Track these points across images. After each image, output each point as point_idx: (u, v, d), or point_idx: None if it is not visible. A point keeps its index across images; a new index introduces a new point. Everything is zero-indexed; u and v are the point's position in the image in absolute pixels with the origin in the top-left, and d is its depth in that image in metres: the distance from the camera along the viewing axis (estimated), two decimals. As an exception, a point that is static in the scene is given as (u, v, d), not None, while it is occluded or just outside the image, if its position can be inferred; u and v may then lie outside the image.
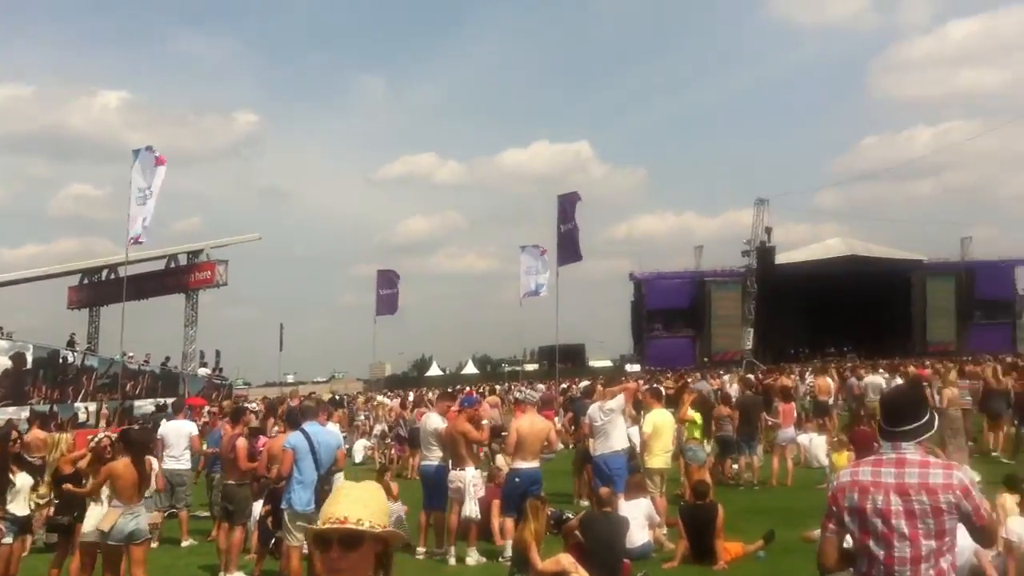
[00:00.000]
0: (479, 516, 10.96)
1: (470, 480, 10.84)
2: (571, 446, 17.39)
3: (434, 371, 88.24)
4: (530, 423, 10.96)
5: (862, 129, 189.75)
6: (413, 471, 17.32)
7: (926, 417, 3.95)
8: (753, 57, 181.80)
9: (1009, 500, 9.11)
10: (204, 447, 14.47)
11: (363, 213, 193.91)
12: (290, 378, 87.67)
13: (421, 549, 11.22)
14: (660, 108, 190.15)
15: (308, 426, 9.58)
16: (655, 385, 17.37)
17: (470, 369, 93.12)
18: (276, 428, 14.77)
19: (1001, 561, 8.15)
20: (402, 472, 18.89)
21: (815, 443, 17.72)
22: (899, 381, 21.80)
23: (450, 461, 11.14)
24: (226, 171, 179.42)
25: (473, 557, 10.73)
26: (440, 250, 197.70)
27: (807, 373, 28.87)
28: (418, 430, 13.79)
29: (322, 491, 9.15)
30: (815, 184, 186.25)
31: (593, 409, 12.21)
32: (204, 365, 47.42)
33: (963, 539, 6.75)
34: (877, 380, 22.11)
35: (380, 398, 33.02)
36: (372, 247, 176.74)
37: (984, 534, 3.87)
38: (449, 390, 19.98)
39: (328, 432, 10.07)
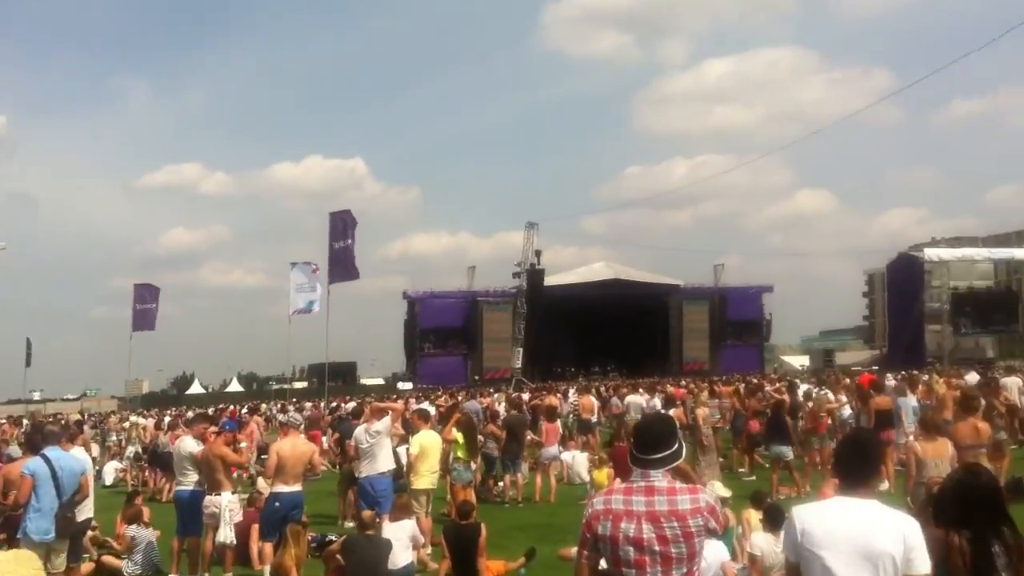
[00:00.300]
0: (234, 541, 10.53)
1: (226, 505, 10.41)
2: (337, 467, 17.06)
3: (196, 389, 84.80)
4: (292, 446, 10.68)
5: (625, 159, 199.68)
6: (167, 495, 16.47)
7: (675, 446, 4.06)
8: (526, 84, 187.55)
9: (754, 516, 9.62)
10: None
11: (122, 223, 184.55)
12: (36, 395, 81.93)
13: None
14: (435, 129, 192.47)
15: (50, 451, 8.95)
16: (422, 406, 17.37)
17: (235, 387, 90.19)
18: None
19: (746, 574, 8.57)
20: (155, 496, 17.94)
21: (577, 460, 18.23)
22: (657, 400, 22.79)
23: (206, 486, 10.64)
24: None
25: None
26: (205, 264, 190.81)
27: (571, 392, 29.73)
28: (171, 453, 13.16)
29: (63, 519, 8.67)
30: (583, 209, 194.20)
31: (359, 431, 12.04)
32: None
33: (711, 554, 7.09)
34: (637, 400, 23.00)
35: (134, 418, 31.24)
36: (132, 259, 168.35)
37: None
38: (209, 411, 19.15)
39: (72, 457, 9.37)
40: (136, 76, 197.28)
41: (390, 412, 12.14)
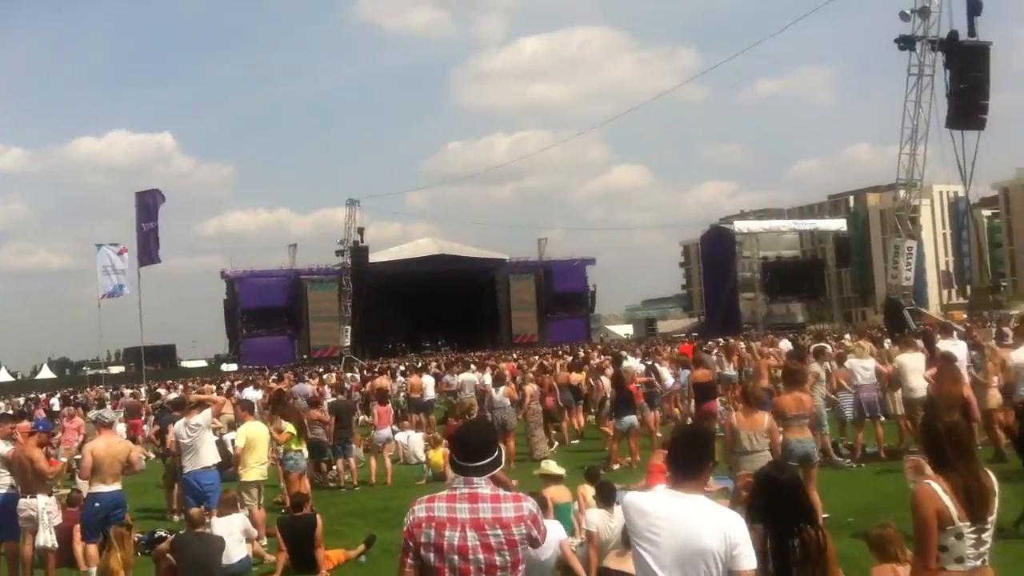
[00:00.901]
0: (56, 545, 9.96)
1: (43, 507, 9.81)
2: (161, 459, 16.36)
3: (3, 376, 79.65)
4: (106, 444, 10.22)
5: (447, 134, 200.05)
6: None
7: (496, 453, 4.03)
8: (339, 58, 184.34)
9: (588, 491, 9.80)
10: None
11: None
12: None
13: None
14: (246, 103, 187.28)
15: None
16: (245, 397, 16.95)
17: (46, 373, 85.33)
18: None
19: (583, 551, 8.71)
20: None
21: (413, 440, 18.19)
22: (488, 377, 22.97)
23: (19, 488, 9.98)
24: None
25: None
26: (5, 245, 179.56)
27: (398, 373, 29.61)
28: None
29: None
30: (406, 185, 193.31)
31: (179, 426, 11.56)
32: None
33: (551, 534, 7.14)
34: (470, 377, 23.15)
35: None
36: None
37: None
38: (11, 412, 17.94)
39: None
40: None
41: (211, 405, 11.73)
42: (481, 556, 3.75)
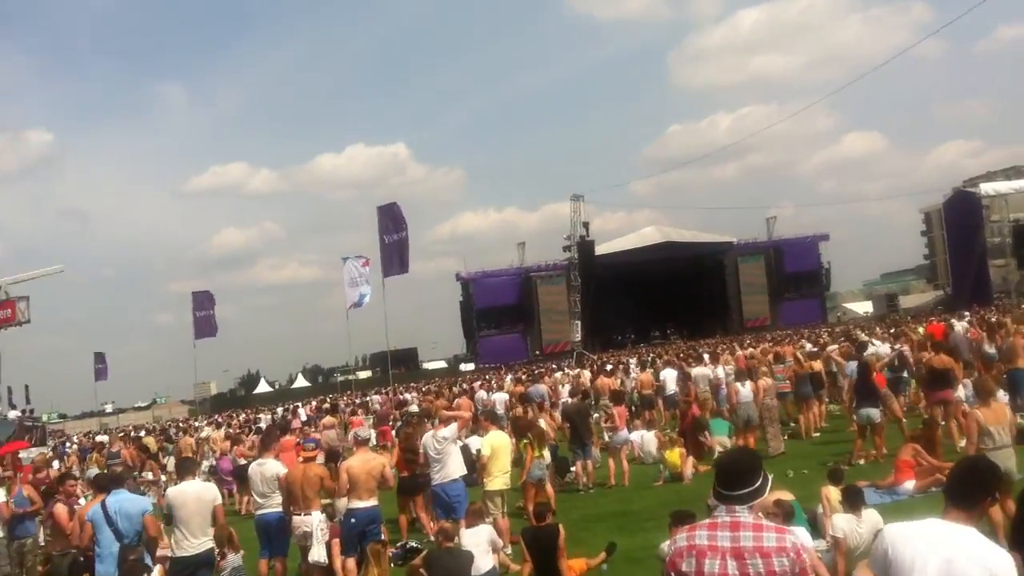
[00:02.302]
0: (327, 560, 10.65)
1: (317, 524, 10.50)
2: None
3: (263, 387, 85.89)
4: (362, 461, 10.74)
5: (667, 118, 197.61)
6: (246, 507, 16.65)
7: (759, 482, 3.96)
8: (557, 53, 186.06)
9: (833, 493, 9.51)
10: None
11: (174, 229, 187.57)
12: (108, 407, 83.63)
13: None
14: (471, 106, 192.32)
15: (112, 495, 9.26)
16: (491, 409, 17.44)
17: (301, 382, 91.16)
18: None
19: (830, 557, 8.47)
20: (235, 510, 18.11)
21: (646, 439, 18.17)
22: (721, 369, 22.61)
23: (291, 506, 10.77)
24: (20, 195, 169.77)
25: None
26: (259, 261, 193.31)
27: (632, 367, 29.62)
28: (246, 467, 13.36)
29: (127, 562, 8.85)
30: (628, 174, 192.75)
31: (427, 439, 12.10)
32: (13, 406, 44.52)
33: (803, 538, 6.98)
34: (704, 372, 22.87)
35: (206, 431, 31.67)
36: (186, 263, 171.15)
37: None
38: (279, 410, 19.31)
39: (130, 500, 9.50)
40: (172, 80, 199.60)
41: (457, 420, 12.19)
42: None
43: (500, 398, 24.25)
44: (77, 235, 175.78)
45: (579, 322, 61.22)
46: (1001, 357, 17.42)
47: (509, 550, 11.29)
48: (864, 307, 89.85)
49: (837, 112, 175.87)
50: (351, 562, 10.15)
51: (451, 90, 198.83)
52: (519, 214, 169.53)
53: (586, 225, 61.26)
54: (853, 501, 8.93)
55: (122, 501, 9.20)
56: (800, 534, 7.27)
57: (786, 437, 17.34)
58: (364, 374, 77.09)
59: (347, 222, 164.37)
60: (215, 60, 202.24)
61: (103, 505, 9.08)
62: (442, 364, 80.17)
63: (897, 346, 20.66)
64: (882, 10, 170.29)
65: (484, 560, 10.30)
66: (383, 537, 10.40)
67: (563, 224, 64.16)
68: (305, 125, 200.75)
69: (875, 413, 14.60)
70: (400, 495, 13.58)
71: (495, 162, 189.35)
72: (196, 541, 8.89)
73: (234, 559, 11.41)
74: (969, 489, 3.85)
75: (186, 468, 9.95)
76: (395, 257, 34.67)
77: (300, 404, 42.80)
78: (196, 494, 9.05)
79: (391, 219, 35.50)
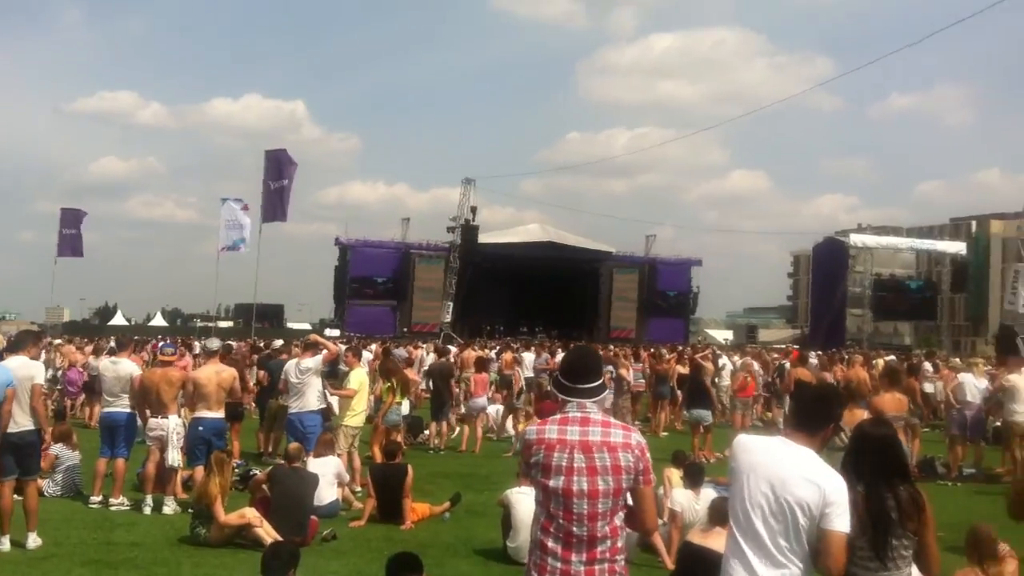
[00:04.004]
0: (182, 465, 10.58)
1: (173, 428, 10.40)
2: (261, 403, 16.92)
3: (119, 320, 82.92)
4: (212, 372, 10.68)
5: (567, 124, 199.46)
6: (94, 420, 16.18)
7: (603, 377, 4.14)
8: (472, 42, 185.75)
9: (675, 474, 9.88)
10: None
11: (51, 148, 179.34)
12: (-49, 317, 79.60)
13: (96, 498, 10.57)
14: (379, 77, 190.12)
15: None
16: (356, 347, 17.34)
17: (159, 321, 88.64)
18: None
19: (666, 530, 8.80)
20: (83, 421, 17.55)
21: (502, 413, 18.41)
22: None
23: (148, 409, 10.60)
24: None
25: (171, 507, 10.32)
26: (135, 195, 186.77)
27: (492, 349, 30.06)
28: (96, 377, 13.01)
29: None
30: (522, 170, 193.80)
31: (290, 366, 12.07)
32: None
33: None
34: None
35: (58, 341, 30.47)
36: (59, 184, 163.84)
37: (646, 500, 4.02)
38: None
39: None
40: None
41: (324, 350, 12.09)
42: (585, 478, 3.82)
43: (364, 355, 24.16)
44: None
45: (451, 304, 61.31)
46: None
47: (358, 488, 11.30)
48: (725, 335, 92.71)
49: (730, 148, 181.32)
50: (199, 470, 10.00)
51: (360, 57, 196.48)
52: (409, 192, 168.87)
53: (473, 210, 61.41)
54: (694, 478, 9.30)
55: None
56: None
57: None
58: (226, 324, 75.34)
59: (233, 170, 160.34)
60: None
61: None
62: (307, 326, 78.89)
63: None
64: (788, 59, 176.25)
65: (328, 491, 10.34)
66: (229, 448, 10.29)
67: (451, 209, 64.22)
68: (205, 65, 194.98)
69: (706, 414, 15.34)
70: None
71: (393, 137, 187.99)
72: (16, 421, 8.36)
73: (70, 455, 11.10)
74: (814, 415, 4.03)
75: (18, 342, 9.21)
76: (276, 204, 34.14)
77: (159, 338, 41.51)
78: (15, 371, 8.44)
79: (277, 165, 34.95)
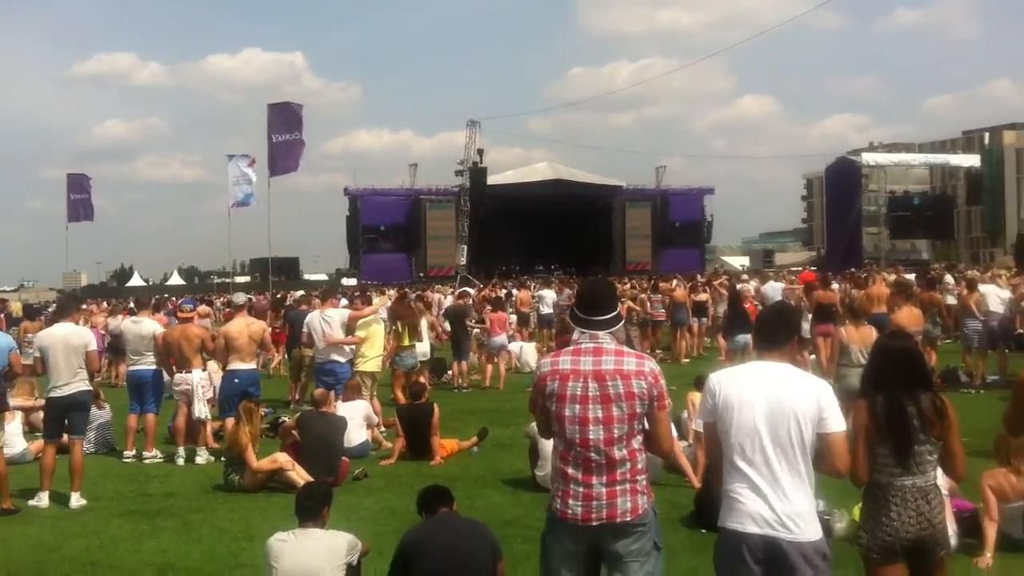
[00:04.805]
0: (209, 417, 10.82)
1: (198, 382, 10.62)
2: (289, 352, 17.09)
3: (136, 281, 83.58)
4: (242, 324, 10.83)
5: (570, 60, 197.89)
6: (120, 378, 16.42)
7: (618, 309, 4.17)
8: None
9: (698, 397, 9.90)
10: None
11: (53, 114, 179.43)
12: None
13: (129, 452, 10.76)
14: (376, 25, 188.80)
15: None
16: (365, 294, 17.46)
17: (176, 280, 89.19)
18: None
19: (691, 451, 8.90)
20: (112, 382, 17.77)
21: (525, 350, 18.54)
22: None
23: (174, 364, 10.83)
24: None
25: (203, 457, 10.54)
26: (141, 157, 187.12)
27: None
28: (120, 336, 13.16)
29: None
30: (527, 109, 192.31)
31: (313, 317, 12.20)
32: None
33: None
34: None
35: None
36: (63, 151, 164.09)
37: (661, 424, 4.06)
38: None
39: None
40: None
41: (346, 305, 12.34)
42: (600, 406, 3.87)
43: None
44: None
45: (465, 247, 61.23)
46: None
47: (383, 430, 11.45)
48: (742, 261, 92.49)
49: (736, 74, 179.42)
50: (230, 422, 10.16)
51: (356, 5, 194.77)
52: (414, 138, 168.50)
53: (480, 152, 60.98)
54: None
55: None
56: None
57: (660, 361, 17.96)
58: (242, 279, 75.80)
59: (237, 125, 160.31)
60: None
61: None
62: (323, 276, 79.18)
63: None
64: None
65: (358, 433, 10.48)
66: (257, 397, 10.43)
67: (458, 153, 63.74)
68: (201, 21, 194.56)
69: (748, 339, 15.21)
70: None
71: (395, 84, 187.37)
72: (64, 383, 8.66)
73: (100, 413, 11.27)
74: (777, 330, 4.06)
75: (62, 308, 9.59)
76: (285, 157, 34.04)
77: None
78: (64, 337, 8.77)
79: (283, 119, 34.79)
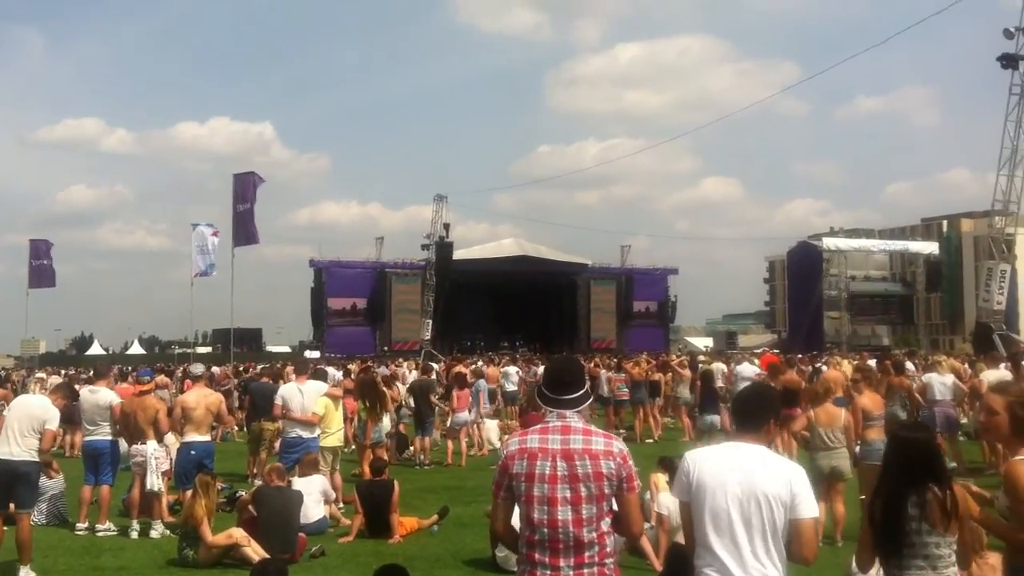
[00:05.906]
0: (163, 489, 10.65)
1: (151, 453, 10.41)
2: (243, 428, 16.92)
3: (96, 350, 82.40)
4: (199, 395, 10.75)
5: (538, 137, 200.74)
6: (75, 448, 16.09)
7: (585, 387, 4.15)
8: (438, 58, 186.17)
9: (661, 479, 9.92)
10: None
11: (17, 178, 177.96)
12: (-74, 354, 78.63)
13: (82, 524, 10.53)
14: (346, 97, 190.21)
15: None
16: (323, 367, 17.39)
17: (136, 350, 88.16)
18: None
19: (653, 533, 8.86)
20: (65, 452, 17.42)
21: (488, 427, 18.43)
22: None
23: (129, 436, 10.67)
24: None
25: (158, 531, 10.33)
26: (105, 224, 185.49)
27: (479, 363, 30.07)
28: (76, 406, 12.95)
29: None
30: (494, 185, 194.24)
31: (290, 388, 12.15)
32: None
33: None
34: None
35: (40, 374, 30.26)
36: (27, 216, 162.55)
37: (631, 506, 4.02)
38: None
39: None
40: (31, 23, 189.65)
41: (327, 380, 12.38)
42: (568, 486, 3.83)
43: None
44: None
45: (430, 321, 61.18)
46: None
47: (341, 506, 11.31)
48: (705, 342, 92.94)
49: (700, 156, 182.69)
50: (187, 493, 9.99)
51: (328, 77, 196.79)
52: (382, 211, 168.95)
53: (447, 226, 61.43)
54: (680, 482, 9.34)
55: None
56: None
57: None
58: (204, 349, 75.02)
59: (203, 195, 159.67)
60: (82, 7, 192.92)
61: None
62: (287, 349, 78.57)
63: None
64: (753, 64, 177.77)
65: (315, 510, 10.35)
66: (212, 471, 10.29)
67: (425, 226, 64.09)
68: (170, 89, 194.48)
69: (716, 420, 15.27)
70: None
71: (364, 156, 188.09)
72: (12, 448, 8.42)
73: (53, 484, 11.04)
74: (756, 412, 4.09)
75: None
76: (248, 227, 34.05)
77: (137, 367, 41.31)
78: (25, 403, 8.69)
79: (245, 188, 34.88)
